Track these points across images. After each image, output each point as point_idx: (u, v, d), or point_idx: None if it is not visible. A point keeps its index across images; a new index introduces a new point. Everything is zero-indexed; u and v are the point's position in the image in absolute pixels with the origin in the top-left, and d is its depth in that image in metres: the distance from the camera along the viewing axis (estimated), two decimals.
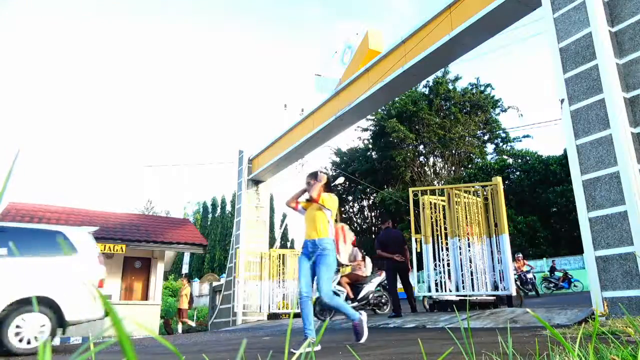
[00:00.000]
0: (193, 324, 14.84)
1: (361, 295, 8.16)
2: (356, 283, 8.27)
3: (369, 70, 9.03)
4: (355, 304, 8.05)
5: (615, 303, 4.21)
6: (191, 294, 14.79)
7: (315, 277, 4.00)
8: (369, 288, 8.25)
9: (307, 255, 4.06)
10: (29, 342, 5.53)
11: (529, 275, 14.55)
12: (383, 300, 8.45)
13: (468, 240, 7.12)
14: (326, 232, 4.03)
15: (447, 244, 7.32)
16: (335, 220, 4.21)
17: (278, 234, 29.53)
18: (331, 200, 4.14)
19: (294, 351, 3.51)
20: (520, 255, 15.37)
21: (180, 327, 14.20)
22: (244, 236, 12.52)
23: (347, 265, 8.48)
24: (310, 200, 4.19)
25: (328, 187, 4.28)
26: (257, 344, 5.00)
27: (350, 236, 4.39)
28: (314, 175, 4.24)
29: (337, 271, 8.10)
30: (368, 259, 8.99)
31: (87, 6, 76.36)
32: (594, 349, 1.12)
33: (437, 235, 7.44)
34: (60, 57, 75.14)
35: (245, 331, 8.53)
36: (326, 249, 3.97)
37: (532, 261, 18.11)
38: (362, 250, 9.24)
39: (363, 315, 3.98)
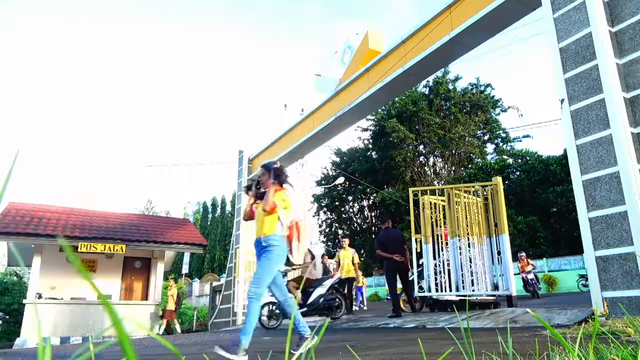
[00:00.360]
0: (172, 327, 14.00)
1: (311, 300, 7.57)
2: (306, 287, 7.72)
3: (369, 70, 9.02)
4: (305, 309, 7.50)
5: (615, 303, 4.20)
6: (178, 295, 14.36)
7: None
8: (319, 292, 7.65)
9: (257, 254, 3.91)
10: None
11: (530, 276, 14.29)
12: (336, 304, 7.75)
13: (468, 240, 7.12)
14: (272, 229, 3.82)
15: (447, 244, 7.33)
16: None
17: None
18: (284, 203, 3.91)
19: (294, 352, 3.51)
20: (524, 254, 15.07)
21: (177, 327, 14.13)
22: (244, 236, 12.52)
23: (297, 268, 7.96)
24: (260, 199, 3.98)
25: (282, 178, 4.01)
26: (257, 344, 4.99)
27: (307, 233, 4.11)
28: (266, 169, 4.01)
29: (284, 275, 7.52)
30: (318, 260, 8.59)
31: (87, 6, 76.34)
32: (594, 349, 1.12)
33: (437, 235, 7.44)
34: (61, 57, 75.17)
35: None
36: (270, 245, 3.78)
37: (532, 261, 17.95)
38: (311, 251, 8.52)
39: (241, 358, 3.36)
